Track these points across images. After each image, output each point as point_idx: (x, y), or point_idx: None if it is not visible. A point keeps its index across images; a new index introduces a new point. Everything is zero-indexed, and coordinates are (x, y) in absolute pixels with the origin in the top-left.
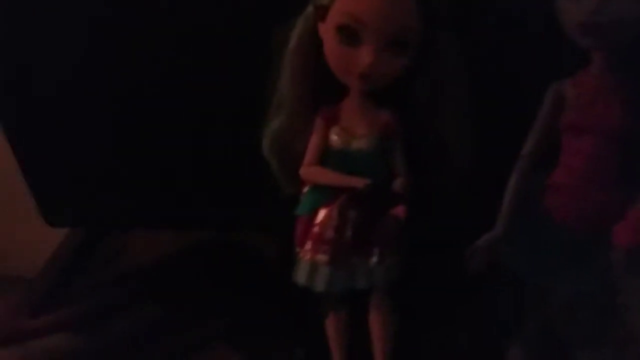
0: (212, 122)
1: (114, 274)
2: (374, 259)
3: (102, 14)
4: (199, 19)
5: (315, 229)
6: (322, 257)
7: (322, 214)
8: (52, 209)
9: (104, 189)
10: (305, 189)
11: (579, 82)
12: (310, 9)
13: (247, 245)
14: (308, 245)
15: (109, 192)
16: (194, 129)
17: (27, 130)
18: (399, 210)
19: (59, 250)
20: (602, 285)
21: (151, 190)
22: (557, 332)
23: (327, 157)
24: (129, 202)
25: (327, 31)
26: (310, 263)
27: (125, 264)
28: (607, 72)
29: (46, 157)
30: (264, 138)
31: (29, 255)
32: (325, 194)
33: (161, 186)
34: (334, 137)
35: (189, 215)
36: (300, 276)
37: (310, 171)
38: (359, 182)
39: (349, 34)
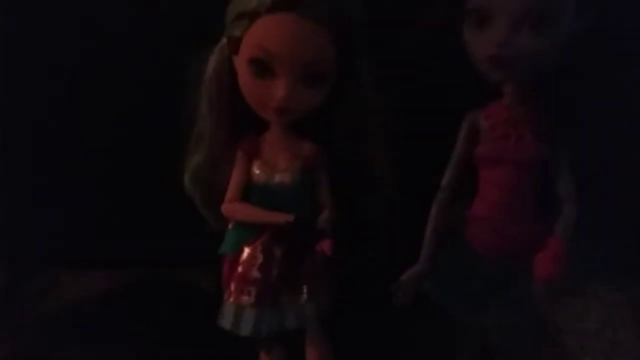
0: (138, 156)
1: (39, 315)
2: (304, 297)
3: None
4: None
5: (239, 269)
6: (246, 299)
7: (245, 252)
8: None
9: (28, 227)
10: (230, 225)
11: (491, 113)
12: (224, 40)
13: (179, 282)
14: (232, 287)
15: (33, 231)
16: (119, 163)
17: None
18: (325, 246)
19: None
20: (527, 312)
21: (77, 228)
22: None
23: (250, 191)
24: (54, 241)
25: (240, 64)
26: (234, 305)
27: (52, 303)
28: (518, 103)
29: None
30: (185, 173)
31: None
32: (249, 231)
33: (87, 223)
34: (256, 171)
35: (119, 253)
36: (226, 320)
37: (232, 208)
38: (283, 218)
39: (262, 67)
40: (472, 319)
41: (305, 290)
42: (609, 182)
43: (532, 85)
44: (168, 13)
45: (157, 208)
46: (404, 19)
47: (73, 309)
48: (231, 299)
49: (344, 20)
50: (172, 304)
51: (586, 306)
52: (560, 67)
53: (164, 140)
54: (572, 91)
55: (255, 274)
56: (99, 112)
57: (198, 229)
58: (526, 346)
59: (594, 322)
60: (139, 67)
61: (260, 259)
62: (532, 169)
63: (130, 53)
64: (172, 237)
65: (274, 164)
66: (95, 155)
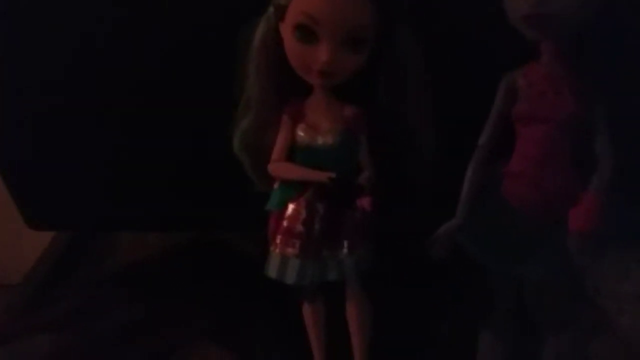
0: (188, 124)
1: (101, 275)
2: (344, 251)
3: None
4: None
5: (284, 223)
6: (291, 251)
7: (290, 208)
8: (34, 212)
9: (86, 191)
10: (276, 185)
11: (529, 72)
12: (270, 9)
13: (231, 245)
14: (278, 239)
15: (91, 195)
16: (171, 131)
17: (6, 135)
18: (365, 203)
19: (44, 255)
20: (564, 270)
21: (134, 193)
22: (528, 317)
23: (295, 152)
24: (112, 205)
25: (286, 30)
26: (280, 256)
27: (113, 265)
28: (556, 62)
29: (26, 160)
30: (234, 137)
31: (14, 262)
32: (293, 189)
33: (143, 188)
34: (300, 134)
35: (173, 217)
36: (272, 269)
37: (278, 167)
38: (324, 176)
39: (306, 33)
40: (507, 272)
41: (345, 245)
42: None
43: (571, 44)
44: None
45: (211, 173)
46: None
47: (132, 271)
48: (277, 250)
49: None
50: (222, 264)
51: (626, 268)
52: (599, 27)
53: (215, 106)
54: (612, 50)
55: (299, 227)
56: (153, 83)
57: (247, 194)
58: (562, 303)
59: (634, 285)
60: (191, 37)
61: (304, 214)
62: (570, 126)
63: (183, 19)
64: (223, 200)
65: (317, 126)
66: (151, 123)
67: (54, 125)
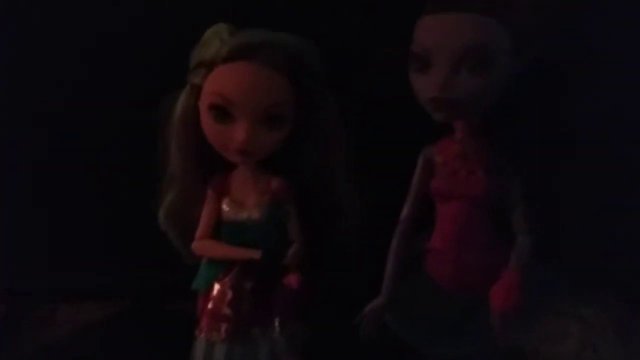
0: (124, 195)
1: (38, 346)
2: (276, 330)
3: None
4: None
5: (209, 305)
6: (216, 335)
7: (215, 289)
8: None
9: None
10: (203, 262)
11: (443, 148)
12: (188, 86)
13: (166, 312)
14: (203, 322)
15: (28, 266)
16: (105, 201)
17: None
18: (292, 280)
19: None
20: (491, 346)
21: (69, 263)
22: None
23: (221, 228)
24: (44, 276)
25: (202, 109)
26: (205, 341)
27: (50, 335)
28: (468, 138)
29: None
30: (159, 211)
31: None
32: (219, 267)
33: (79, 257)
34: (225, 209)
35: (110, 285)
36: (197, 355)
37: (201, 246)
38: (249, 254)
39: (221, 113)
40: (433, 351)
41: (276, 323)
42: (587, 202)
43: (482, 121)
44: (144, 53)
45: (146, 242)
46: (359, 61)
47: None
48: (202, 335)
49: (299, 65)
50: (159, 334)
51: (566, 328)
52: (508, 103)
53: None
54: (521, 125)
55: (226, 310)
56: (87, 151)
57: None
58: None
59: (574, 344)
60: (119, 106)
61: (229, 294)
62: (485, 203)
63: (111, 93)
64: (159, 269)
65: (243, 200)
66: (87, 192)
67: None
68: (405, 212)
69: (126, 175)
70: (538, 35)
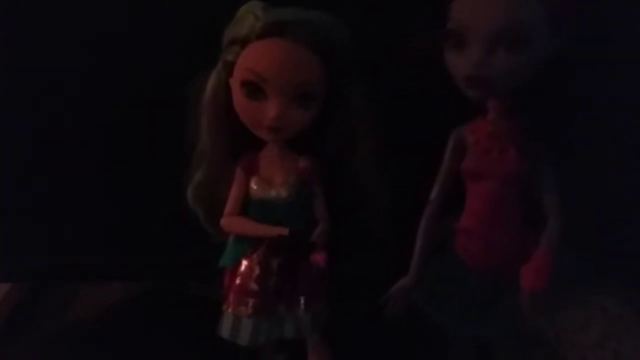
0: (145, 174)
1: (60, 327)
2: (301, 308)
3: None
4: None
5: (237, 281)
6: (244, 310)
7: (243, 265)
8: None
9: (42, 242)
10: (230, 240)
11: (476, 128)
12: (220, 63)
13: (189, 294)
14: (230, 298)
15: (46, 245)
16: (128, 182)
17: None
18: (319, 258)
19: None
20: (517, 328)
21: (93, 243)
22: None
23: (249, 206)
24: (68, 255)
25: (234, 86)
26: (233, 316)
27: (73, 315)
28: (501, 118)
29: None
30: (188, 190)
31: None
32: (247, 244)
33: (102, 238)
34: (254, 187)
35: (134, 266)
36: (225, 330)
37: (230, 222)
38: (277, 231)
39: (253, 89)
40: (460, 331)
41: (302, 301)
42: (614, 193)
43: (516, 100)
44: (175, 33)
45: (170, 222)
46: (392, 39)
47: (93, 321)
48: (230, 310)
49: (330, 44)
50: (181, 315)
51: (589, 317)
52: (541, 83)
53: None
54: (556, 105)
55: (253, 285)
56: (112, 130)
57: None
58: (522, 357)
59: (596, 333)
60: (149, 87)
61: (257, 270)
62: (516, 182)
63: (140, 73)
64: (183, 250)
65: (271, 179)
66: (112, 174)
67: (8, 177)
68: (435, 192)
69: (153, 155)
70: (575, 15)
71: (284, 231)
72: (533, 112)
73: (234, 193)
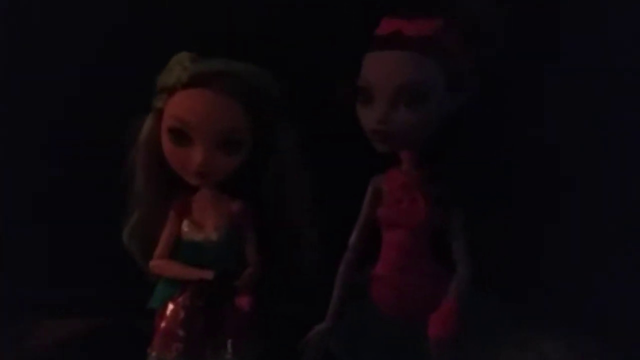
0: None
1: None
2: (228, 352)
3: None
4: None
5: (162, 324)
6: (168, 354)
7: (169, 308)
8: None
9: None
10: (160, 280)
11: (390, 177)
12: (153, 110)
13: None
14: (155, 341)
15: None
16: (87, 210)
17: None
18: (243, 302)
19: None
20: None
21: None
22: None
23: (181, 248)
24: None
25: (163, 132)
26: (157, 359)
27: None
28: (412, 169)
29: None
30: (124, 230)
31: None
32: (174, 287)
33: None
34: (185, 229)
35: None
36: None
37: (158, 264)
38: (201, 275)
39: (179, 136)
40: None
41: (229, 345)
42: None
43: (426, 152)
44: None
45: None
46: (315, 93)
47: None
48: (154, 353)
49: (255, 94)
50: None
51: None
52: (448, 135)
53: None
54: (461, 157)
55: (178, 329)
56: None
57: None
58: None
59: None
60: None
61: (182, 314)
62: (426, 231)
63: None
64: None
65: (203, 222)
66: (71, 207)
67: None
68: (353, 238)
69: (104, 192)
70: (472, 76)
71: (209, 275)
72: (443, 162)
73: (165, 235)
